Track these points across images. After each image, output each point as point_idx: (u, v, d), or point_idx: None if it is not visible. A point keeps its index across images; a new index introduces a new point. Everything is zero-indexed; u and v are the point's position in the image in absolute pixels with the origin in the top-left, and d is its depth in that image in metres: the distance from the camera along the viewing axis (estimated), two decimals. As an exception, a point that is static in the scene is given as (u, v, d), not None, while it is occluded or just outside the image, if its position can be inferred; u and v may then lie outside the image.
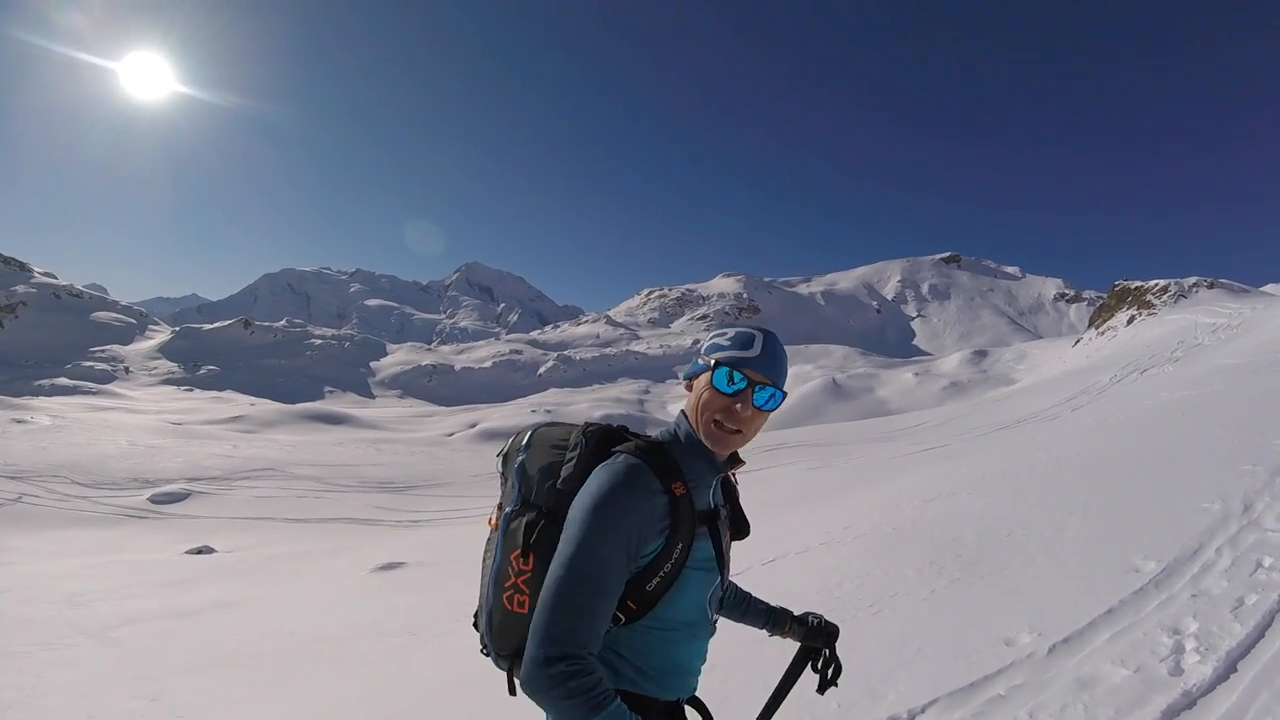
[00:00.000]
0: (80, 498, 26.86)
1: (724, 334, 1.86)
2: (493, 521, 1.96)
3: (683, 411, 1.90)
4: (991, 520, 8.70)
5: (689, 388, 1.88)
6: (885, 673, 4.95)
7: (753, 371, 1.77)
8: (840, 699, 4.60)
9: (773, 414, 1.83)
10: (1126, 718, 3.74)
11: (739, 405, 1.77)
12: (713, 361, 1.80)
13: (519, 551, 1.79)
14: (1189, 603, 4.96)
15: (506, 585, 1.82)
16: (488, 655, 1.94)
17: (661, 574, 1.69)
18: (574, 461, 1.80)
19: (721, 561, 1.85)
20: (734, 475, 2.00)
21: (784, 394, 1.84)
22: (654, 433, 1.89)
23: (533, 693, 1.55)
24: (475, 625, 1.99)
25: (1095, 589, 5.60)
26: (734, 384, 1.77)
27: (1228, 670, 4.01)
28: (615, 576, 1.63)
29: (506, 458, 1.97)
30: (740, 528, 2.03)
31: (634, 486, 1.65)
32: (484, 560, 1.96)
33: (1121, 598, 5.28)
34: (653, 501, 1.67)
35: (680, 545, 1.70)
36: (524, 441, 1.93)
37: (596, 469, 1.72)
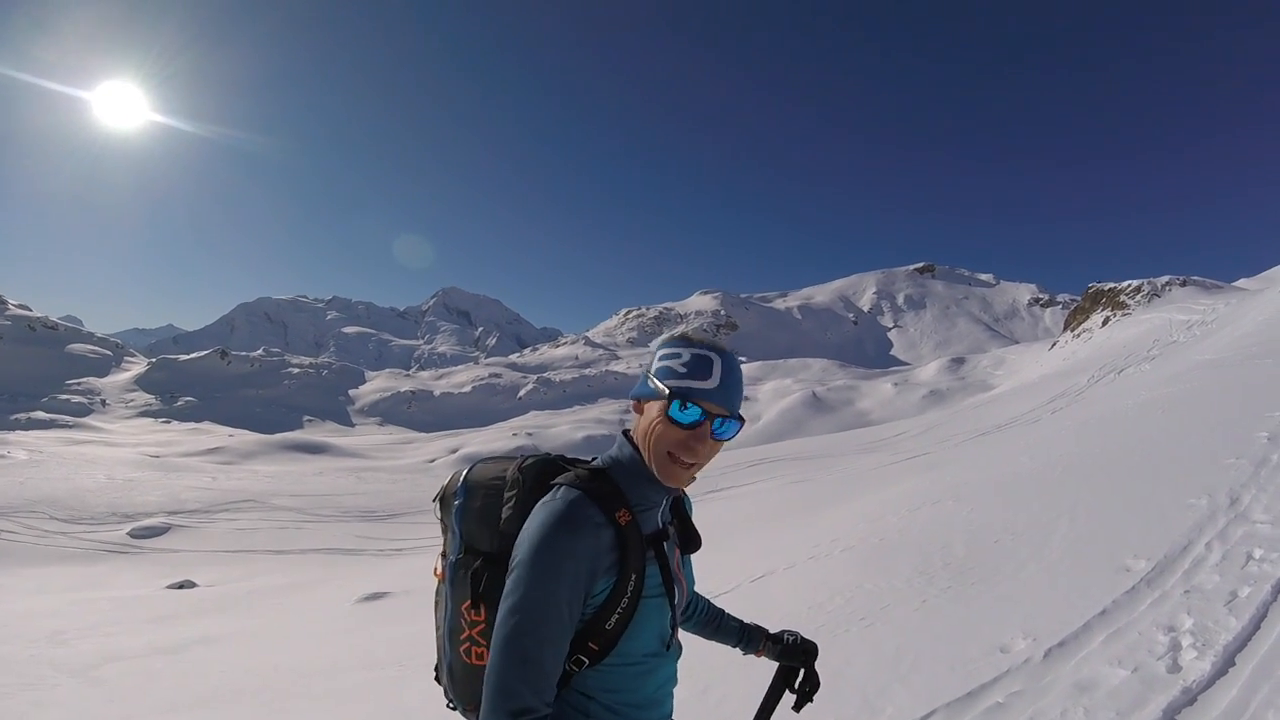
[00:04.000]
0: (59, 533, 26.56)
1: (678, 355, 1.68)
2: (438, 572, 1.85)
3: (625, 433, 1.78)
4: (979, 527, 8.69)
5: (638, 408, 1.74)
6: (881, 687, 4.89)
7: (711, 404, 1.64)
8: (837, 715, 4.55)
9: (752, 429, 1.70)
10: (1128, 719, 3.70)
11: (695, 440, 1.65)
12: (666, 390, 1.65)
13: (469, 602, 1.71)
14: (1182, 599, 4.94)
15: (462, 638, 1.74)
16: (454, 709, 1.87)
17: (619, 610, 1.60)
18: (513, 501, 1.70)
19: (671, 583, 1.73)
20: (684, 490, 1.86)
21: (742, 421, 1.73)
22: (596, 458, 1.78)
23: None
24: (437, 679, 1.89)
25: (1087, 591, 5.58)
26: (690, 415, 1.63)
27: (1226, 665, 3.98)
28: (564, 624, 1.54)
29: (444, 502, 1.85)
30: (689, 541, 1.89)
31: (576, 524, 1.55)
32: (435, 613, 1.86)
33: (1114, 598, 5.25)
34: (598, 536, 1.57)
35: (634, 577, 1.61)
36: (460, 484, 1.81)
37: (536, 507, 1.62)
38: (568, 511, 1.56)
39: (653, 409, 1.68)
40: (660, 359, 1.71)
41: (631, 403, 1.77)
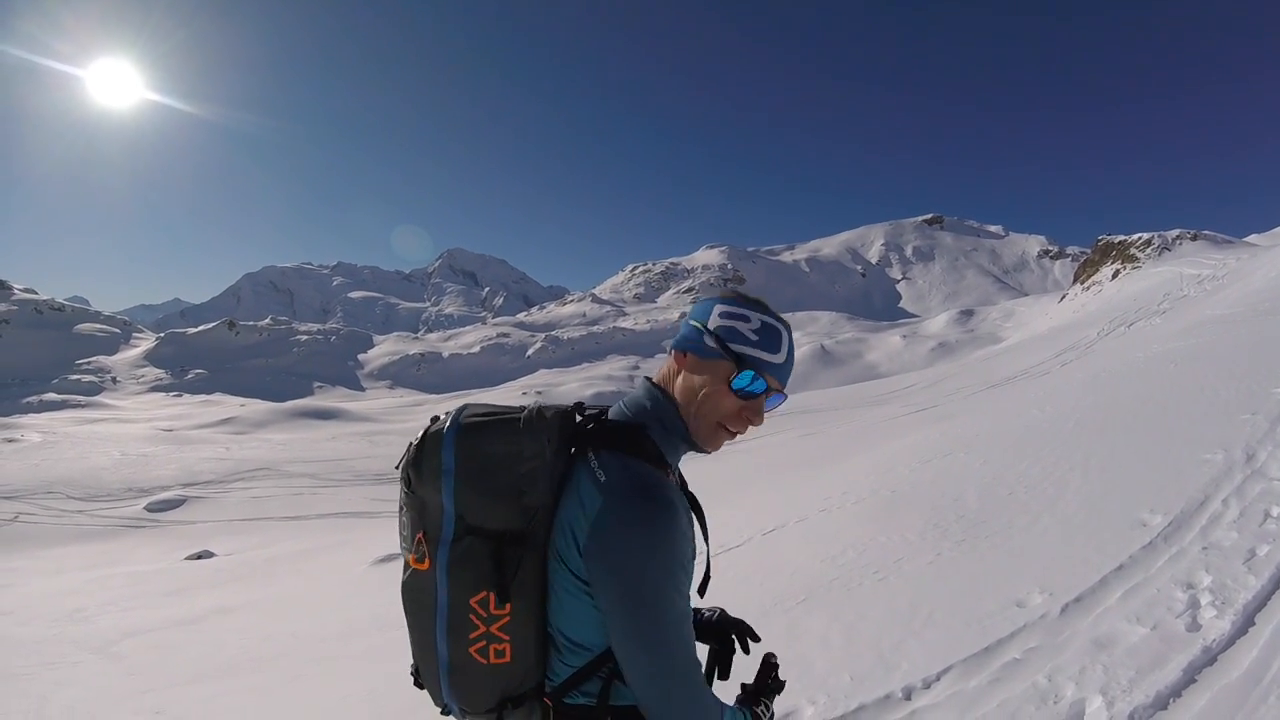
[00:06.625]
0: (77, 512, 26.89)
1: (745, 319, 1.52)
2: (423, 561, 1.45)
3: (651, 382, 1.61)
4: (991, 479, 8.65)
5: (681, 362, 1.54)
6: (896, 642, 4.88)
7: (775, 379, 1.52)
8: (852, 671, 4.54)
9: None
10: (1148, 678, 3.67)
11: (753, 412, 1.53)
12: (734, 354, 1.49)
13: (486, 594, 1.39)
14: (1200, 556, 4.90)
15: (474, 636, 1.41)
16: (449, 715, 1.56)
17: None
18: (536, 468, 1.42)
19: (706, 529, 1.60)
20: None
21: (786, 396, 1.61)
22: (622, 409, 1.57)
23: None
24: (418, 684, 1.58)
25: (1103, 545, 5.54)
26: (758, 387, 1.49)
27: (1246, 624, 3.94)
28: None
29: (420, 471, 1.43)
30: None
31: (678, 518, 1.38)
32: (415, 607, 1.50)
33: (1131, 553, 5.22)
34: (686, 515, 1.44)
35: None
36: (448, 448, 1.41)
37: (619, 494, 1.38)
38: (671, 509, 1.37)
39: (708, 371, 1.51)
40: (722, 317, 1.53)
41: (672, 353, 1.58)
